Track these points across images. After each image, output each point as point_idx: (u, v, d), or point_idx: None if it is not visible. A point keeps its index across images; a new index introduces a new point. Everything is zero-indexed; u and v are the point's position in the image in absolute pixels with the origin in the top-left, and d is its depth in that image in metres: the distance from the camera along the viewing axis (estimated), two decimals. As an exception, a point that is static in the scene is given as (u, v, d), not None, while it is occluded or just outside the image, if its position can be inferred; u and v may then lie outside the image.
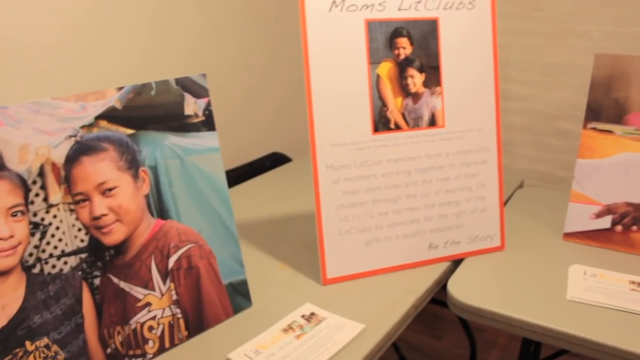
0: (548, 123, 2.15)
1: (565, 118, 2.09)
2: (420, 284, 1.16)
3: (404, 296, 1.12)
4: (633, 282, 1.17)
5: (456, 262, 1.26)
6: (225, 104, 1.92)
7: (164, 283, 0.97)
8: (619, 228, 1.29)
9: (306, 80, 1.10)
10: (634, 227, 1.28)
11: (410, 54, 1.17)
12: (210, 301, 1.03)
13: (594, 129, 1.28)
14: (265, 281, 1.19)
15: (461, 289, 1.15)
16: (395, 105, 1.16)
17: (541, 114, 2.16)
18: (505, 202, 1.56)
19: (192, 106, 1.01)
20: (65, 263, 0.86)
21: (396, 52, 1.16)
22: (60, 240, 0.85)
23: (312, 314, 1.07)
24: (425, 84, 1.19)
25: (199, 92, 1.02)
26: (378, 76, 1.15)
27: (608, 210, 1.29)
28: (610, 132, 1.27)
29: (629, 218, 1.28)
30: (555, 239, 1.35)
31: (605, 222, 1.30)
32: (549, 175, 2.17)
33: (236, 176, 1.87)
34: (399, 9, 1.16)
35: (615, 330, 1.02)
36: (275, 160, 2.00)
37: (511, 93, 2.24)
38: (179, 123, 0.99)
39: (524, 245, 1.32)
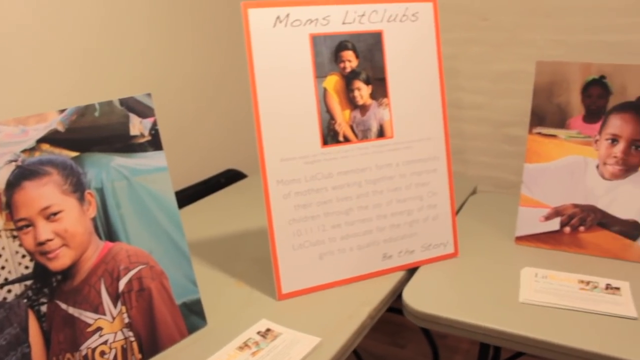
0: (499, 130, 2.19)
1: (516, 124, 2.13)
2: (376, 294, 1.17)
3: (359, 307, 1.13)
4: (582, 282, 1.19)
5: (411, 271, 1.27)
6: (179, 122, 1.91)
7: (115, 306, 0.96)
8: (567, 229, 1.32)
9: (253, 96, 1.11)
10: (581, 228, 1.31)
11: (356, 66, 1.18)
12: (164, 322, 1.02)
13: (539, 133, 1.31)
14: (221, 299, 1.18)
15: (416, 297, 1.16)
16: (343, 118, 1.17)
17: (492, 121, 2.20)
18: (459, 209, 1.58)
19: (138, 126, 1.00)
20: (9, 291, 0.84)
21: (342, 65, 1.17)
22: (2, 268, 0.83)
23: (268, 330, 1.06)
24: (373, 96, 1.20)
25: (144, 111, 1.01)
26: (325, 90, 1.16)
27: (556, 213, 1.32)
28: (554, 136, 1.30)
29: (576, 219, 1.31)
30: (507, 243, 1.37)
31: (554, 224, 1.33)
32: (503, 181, 2.21)
33: (192, 194, 1.85)
34: (343, 23, 1.17)
35: (567, 329, 1.05)
36: (230, 177, 1.99)
37: (462, 102, 2.27)
38: (124, 144, 0.98)
39: (478, 250, 1.34)
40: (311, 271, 1.17)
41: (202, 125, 2.00)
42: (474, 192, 1.71)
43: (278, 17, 1.12)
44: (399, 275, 1.25)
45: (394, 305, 1.23)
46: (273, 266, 1.15)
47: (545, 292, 1.15)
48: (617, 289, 1.17)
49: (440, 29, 2.24)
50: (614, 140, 1.26)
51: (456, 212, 1.55)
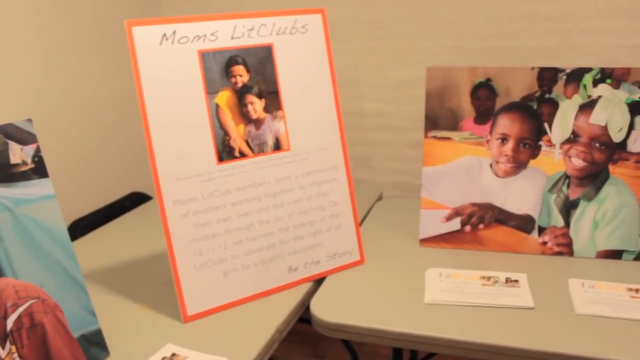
0: (403, 135, 2.23)
1: (418, 129, 2.18)
2: (283, 308, 1.16)
3: (266, 323, 1.11)
4: (484, 277, 1.22)
5: (318, 282, 1.27)
6: (83, 147, 1.84)
7: (3, 347, 0.91)
8: (468, 228, 1.35)
9: (142, 116, 1.08)
10: (481, 225, 1.35)
11: (247, 81, 1.18)
12: (61, 357, 0.97)
13: (434, 137, 1.35)
14: (125, 327, 1.14)
15: (324, 308, 1.15)
16: (237, 133, 1.16)
17: (396, 128, 2.24)
18: (365, 216, 1.60)
19: (19, 154, 0.96)
20: None
21: (233, 80, 1.16)
22: None
23: (174, 354, 1.03)
24: (267, 109, 1.19)
25: (25, 138, 0.97)
26: (217, 106, 1.15)
27: (456, 213, 1.36)
28: (448, 138, 1.34)
29: (476, 217, 1.35)
30: (413, 246, 1.40)
31: (455, 224, 1.36)
32: (410, 185, 2.25)
33: (96, 220, 1.79)
34: (232, 38, 1.16)
35: (471, 326, 1.07)
36: (135, 200, 1.94)
37: (366, 110, 2.31)
38: (4, 173, 0.94)
39: (384, 255, 1.35)
40: (216, 290, 1.15)
41: (105, 149, 1.94)
42: (380, 198, 1.74)
43: (164, 35, 1.10)
44: (307, 286, 1.24)
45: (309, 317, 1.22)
46: (176, 288, 1.12)
47: (450, 291, 1.18)
48: (516, 281, 1.20)
49: (340, 40, 2.27)
50: (504, 139, 1.31)
51: (362, 219, 1.57)
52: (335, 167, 1.26)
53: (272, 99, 1.20)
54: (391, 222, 1.54)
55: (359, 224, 1.52)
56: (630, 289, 1.17)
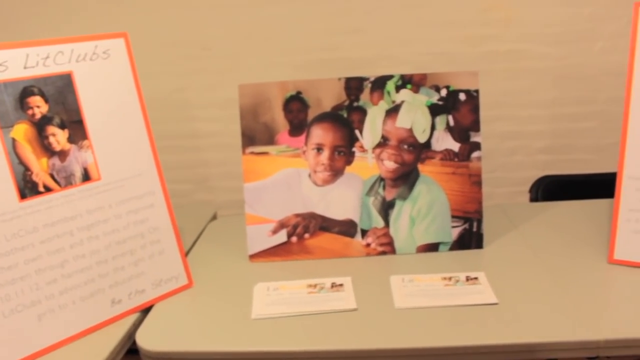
0: (237, 153, 2.23)
1: (252, 146, 2.20)
2: (107, 344, 1.11)
3: (89, 362, 1.07)
4: (310, 285, 1.25)
5: (146, 311, 1.23)
6: None
7: None
8: (294, 239, 1.38)
9: None
10: (307, 235, 1.38)
11: (47, 112, 1.12)
12: None
13: (252, 152, 1.36)
14: None
15: (150, 337, 1.12)
16: (40, 167, 1.11)
17: (230, 146, 2.24)
18: (197, 237, 1.58)
19: None
20: None
21: (30, 112, 1.10)
22: None
23: (-17, 411, 0.96)
24: (71, 140, 1.15)
25: None
26: (14, 140, 1.08)
27: (281, 225, 1.38)
28: (266, 153, 1.36)
29: (301, 227, 1.37)
30: (244, 263, 1.40)
31: (282, 236, 1.38)
32: (248, 202, 2.27)
33: None
34: (25, 67, 1.11)
35: (296, 335, 1.09)
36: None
37: (200, 131, 2.29)
38: None
39: (214, 276, 1.34)
40: (31, 336, 1.08)
41: None
42: (214, 218, 1.73)
43: (-55, 70, 1.03)
44: (133, 318, 1.20)
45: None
46: (-16, 340, 1.04)
47: (276, 304, 1.19)
48: (341, 285, 1.24)
49: (166, 62, 2.24)
50: (319, 149, 1.35)
51: (194, 241, 1.55)
52: (152, 193, 1.23)
53: (77, 129, 1.16)
54: (224, 241, 1.54)
55: (191, 246, 1.51)
56: (444, 278, 1.25)
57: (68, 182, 1.14)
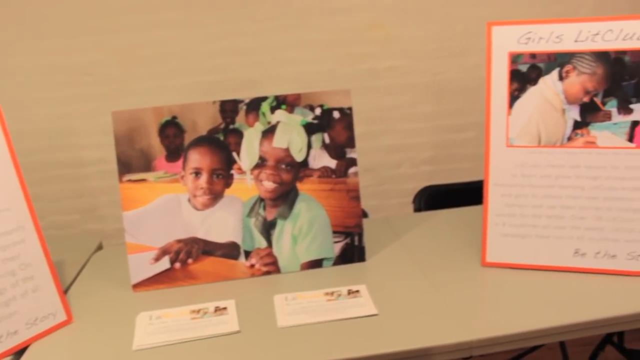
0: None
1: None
2: (-25, 390, 1.06)
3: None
4: (193, 311, 1.24)
5: (20, 353, 1.18)
6: None
7: None
8: (177, 265, 1.37)
9: None
10: (190, 260, 1.37)
11: None
12: None
13: (129, 180, 1.34)
14: None
15: (25, 379, 1.08)
16: None
17: (116, 173, 2.20)
18: (81, 269, 1.53)
19: None
20: None
21: None
22: None
23: None
24: None
25: None
26: None
27: (163, 252, 1.36)
28: (144, 180, 1.34)
29: (183, 253, 1.36)
30: (127, 293, 1.37)
31: (165, 263, 1.36)
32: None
33: None
34: None
35: (175, 364, 1.08)
36: None
37: (85, 159, 2.24)
38: None
39: (96, 309, 1.31)
40: None
41: None
42: (99, 248, 1.68)
43: None
44: (6, 361, 1.15)
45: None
46: None
47: (158, 333, 1.17)
48: (225, 308, 1.24)
49: (47, 89, 2.18)
50: (197, 173, 1.35)
51: (77, 273, 1.50)
52: (22, 228, 1.19)
53: None
54: (108, 272, 1.50)
55: (73, 279, 1.46)
56: (327, 293, 1.28)
57: None
